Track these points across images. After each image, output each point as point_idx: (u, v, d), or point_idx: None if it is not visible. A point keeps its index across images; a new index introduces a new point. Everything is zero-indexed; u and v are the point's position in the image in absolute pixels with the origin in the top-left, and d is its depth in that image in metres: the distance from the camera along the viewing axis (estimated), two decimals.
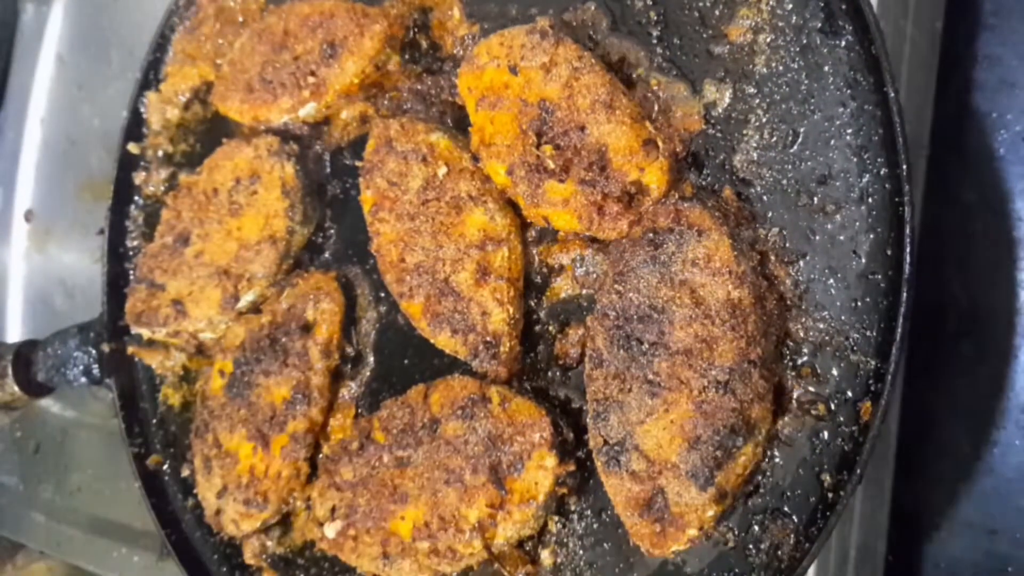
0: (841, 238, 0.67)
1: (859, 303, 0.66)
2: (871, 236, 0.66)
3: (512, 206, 0.77)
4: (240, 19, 1.01)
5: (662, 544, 0.65)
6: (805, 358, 0.67)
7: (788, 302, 0.68)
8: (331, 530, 0.78)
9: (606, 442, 0.67)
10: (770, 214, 0.69)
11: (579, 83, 0.71)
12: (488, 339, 0.75)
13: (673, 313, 0.67)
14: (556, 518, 0.74)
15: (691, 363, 0.65)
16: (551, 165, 0.72)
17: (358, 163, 0.84)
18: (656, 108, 0.73)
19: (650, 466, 0.65)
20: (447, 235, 0.77)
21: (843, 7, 0.68)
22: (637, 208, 0.70)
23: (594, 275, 0.74)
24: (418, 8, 0.88)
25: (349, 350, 0.86)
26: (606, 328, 0.69)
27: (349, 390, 0.86)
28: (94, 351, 1.02)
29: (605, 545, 0.73)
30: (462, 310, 0.76)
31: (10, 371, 1.05)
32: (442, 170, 0.78)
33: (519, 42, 0.75)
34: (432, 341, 0.78)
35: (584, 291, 0.75)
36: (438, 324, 0.77)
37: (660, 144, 0.70)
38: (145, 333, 0.95)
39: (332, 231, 0.91)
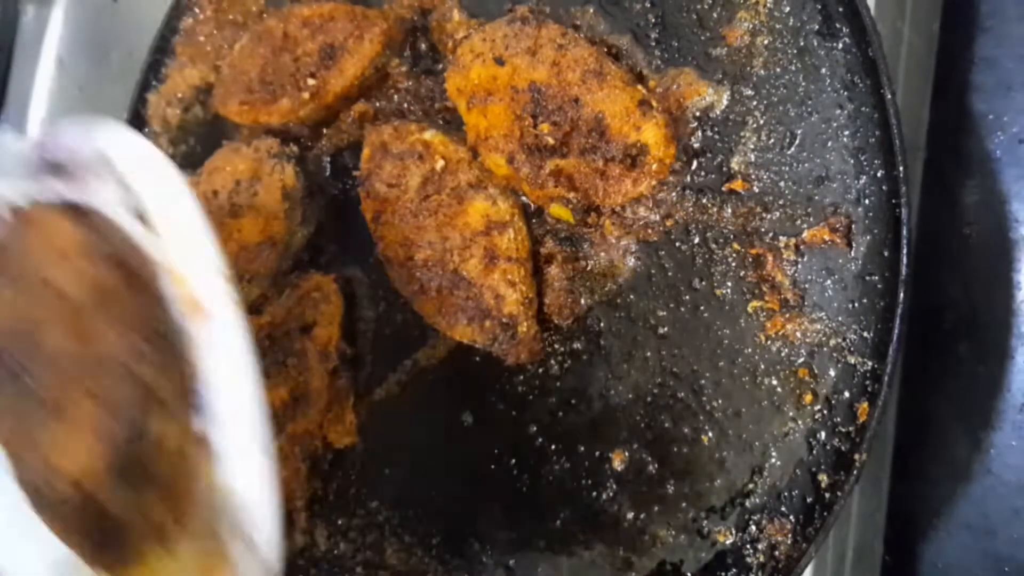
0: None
1: (856, 304, 0.66)
2: (868, 237, 0.66)
3: (514, 193, 0.78)
4: (240, 21, 1.01)
5: None
6: (802, 359, 0.67)
7: (791, 302, 0.68)
8: None
9: (33, 488, 0.63)
10: (767, 215, 0.69)
11: (566, 58, 0.72)
12: (505, 321, 0.75)
13: (37, 313, 0.61)
14: None
15: (73, 354, 0.61)
16: (551, 142, 0.72)
17: (356, 173, 0.84)
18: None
19: (77, 495, 0.61)
20: (452, 226, 0.77)
21: (840, 10, 0.68)
22: (640, 169, 0.70)
23: None
24: (417, 10, 0.89)
25: (348, 351, 0.87)
26: None
27: (347, 391, 0.86)
28: None
29: None
30: (475, 297, 0.76)
31: None
32: (439, 164, 0.78)
33: (501, 33, 0.75)
34: (450, 334, 0.78)
35: None
36: (453, 316, 0.77)
37: (654, 103, 0.70)
38: None
39: (332, 233, 0.91)
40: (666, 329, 0.73)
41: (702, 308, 0.72)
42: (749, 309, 0.70)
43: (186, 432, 0.60)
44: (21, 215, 0.65)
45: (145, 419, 0.59)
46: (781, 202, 0.69)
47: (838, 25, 0.68)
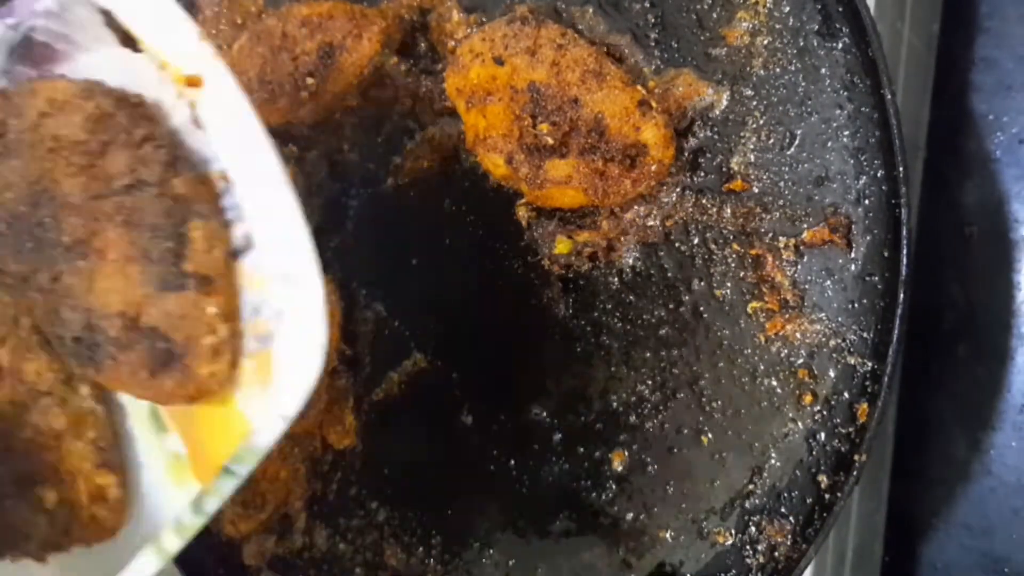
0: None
1: (856, 304, 0.66)
2: (868, 238, 0.66)
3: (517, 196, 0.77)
4: (239, 22, 1.01)
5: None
6: (802, 359, 0.67)
7: (791, 303, 0.68)
8: None
9: (76, 340, 0.62)
10: (767, 216, 0.69)
11: (566, 59, 0.72)
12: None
13: (52, 173, 0.62)
14: None
15: (94, 194, 0.61)
16: (550, 141, 0.72)
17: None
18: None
19: (127, 324, 0.61)
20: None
21: (840, 10, 0.68)
22: (639, 169, 0.70)
23: None
24: (416, 9, 0.88)
25: (347, 351, 0.86)
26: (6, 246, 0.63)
27: (346, 392, 0.86)
28: None
29: None
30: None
31: None
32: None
33: (500, 33, 0.75)
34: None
35: None
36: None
37: (654, 104, 0.70)
38: None
39: (330, 233, 0.91)
40: (665, 330, 0.73)
41: (701, 309, 0.72)
42: (749, 310, 0.70)
43: (226, 240, 0.61)
44: (12, 93, 0.66)
45: (180, 227, 0.59)
46: (781, 202, 0.69)
47: (838, 25, 0.68)
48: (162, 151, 0.61)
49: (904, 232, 0.64)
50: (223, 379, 0.62)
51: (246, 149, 0.60)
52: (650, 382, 0.74)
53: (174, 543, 0.61)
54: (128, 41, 0.65)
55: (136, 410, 0.70)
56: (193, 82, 0.61)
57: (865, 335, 0.65)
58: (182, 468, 0.69)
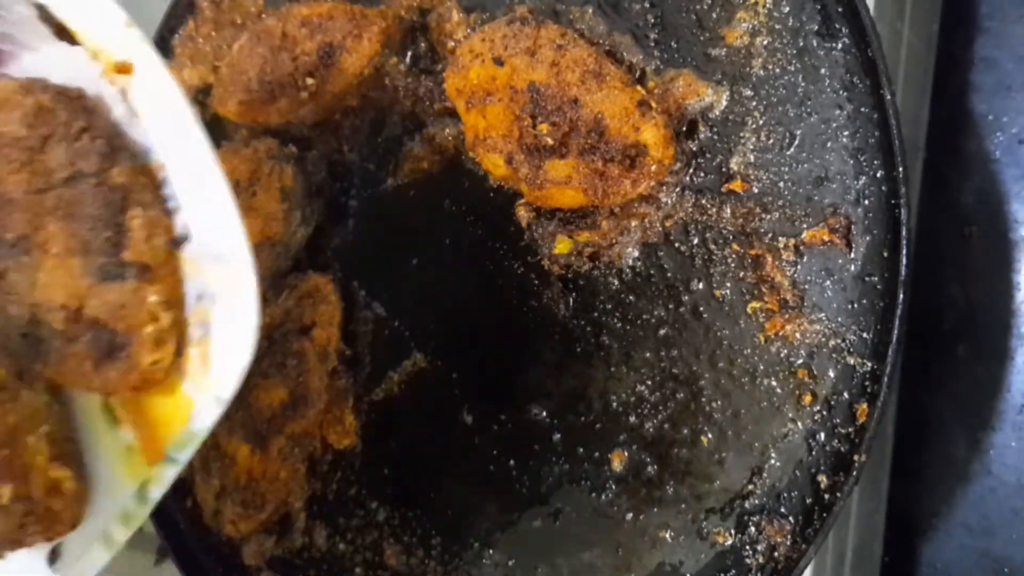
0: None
1: (856, 305, 0.66)
2: (867, 238, 0.66)
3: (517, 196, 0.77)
4: (239, 22, 1.01)
5: None
6: (802, 359, 0.67)
7: (790, 303, 0.68)
8: None
9: (23, 335, 0.62)
10: (767, 216, 0.69)
11: (565, 59, 0.72)
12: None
13: None
14: None
15: (35, 189, 0.61)
16: (550, 142, 0.72)
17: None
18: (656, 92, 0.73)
19: (70, 316, 0.61)
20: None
21: (839, 10, 0.68)
22: (639, 169, 0.70)
23: None
24: (416, 10, 0.89)
25: (347, 352, 0.86)
26: None
27: (346, 392, 0.86)
28: None
29: None
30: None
31: None
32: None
33: (500, 34, 0.75)
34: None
35: None
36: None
37: (654, 104, 0.70)
38: None
39: (330, 233, 0.91)
40: (665, 330, 0.73)
41: (701, 309, 0.72)
42: (748, 310, 0.70)
43: (168, 228, 0.61)
44: None
45: (119, 217, 0.60)
46: (780, 203, 0.69)
47: (837, 25, 0.68)
48: (99, 142, 0.61)
49: (904, 232, 0.64)
50: (167, 367, 0.62)
51: (177, 134, 0.60)
52: (650, 382, 0.74)
53: (122, 533, 0.61)
54: (63, 33, 0.65)
55: (88, 403, 0.70)
56: (123, 68, 0.62)
57: (865, 335, 0.65)
58: (135, 459, 0.68)
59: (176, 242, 0.62)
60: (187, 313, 0.62)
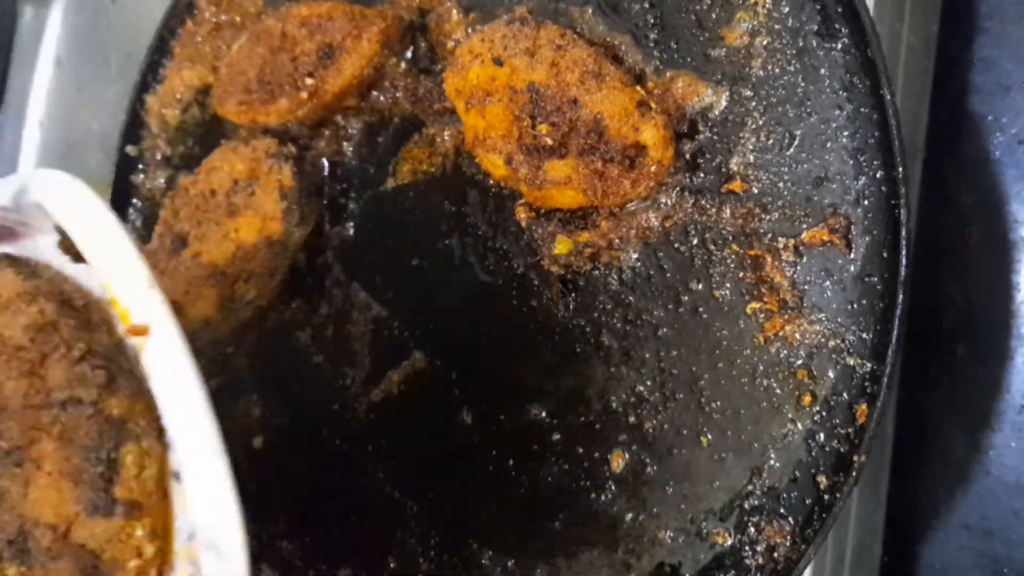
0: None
1: (855, 305, 0.66)
2: (867, 238, 0.66)
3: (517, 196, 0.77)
4: (238, 22, 1.01)
5: None
6: (801, 360, 0.67)
7: (790, 303, 0.68)
8: None
9: (9, 542, 0.62)
10: (766, 216, 0.69)
11: (565, 59, 0.72)
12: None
13: None
14: None
15: (33, 402, 0.61)
16: (549, 142, 0.72)
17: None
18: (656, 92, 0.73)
19: (57, 537, 0.61)
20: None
21: (839, 10, 0.68)
22: (639, 170, 0.70)
23: None
24: (416, 10, 0.89)
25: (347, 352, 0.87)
26: None
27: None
28: None
29: None
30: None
31: None
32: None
33: (500, 34, 0.75)
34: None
35: None
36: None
37: (653, 104, 0.70)
38: None
39: (330, 234, 0.91)
40: (665, 330, 0.73)
41: (701, 309, 0.72)
42: (748, 310, 0.70)
43: (161, 457, 0.61)
44: None
45: (113, 452, 0.59)
46: (780, 203, 0.69)
47: (837, 26, 0.68)
48: (100, 372, 0.60)
49: (903, 233, 0.64)
50: None
51: (185, 410, 0.59)
52: (650, 382, 0.74)
53: None
54: (80, 258, 0.64)
55: None
56: (139, 331, 0.61)
57: (864, 336, 0.65)
58: None
59: (175, 475, 0.61)
60: (177, 546, 0.61)
